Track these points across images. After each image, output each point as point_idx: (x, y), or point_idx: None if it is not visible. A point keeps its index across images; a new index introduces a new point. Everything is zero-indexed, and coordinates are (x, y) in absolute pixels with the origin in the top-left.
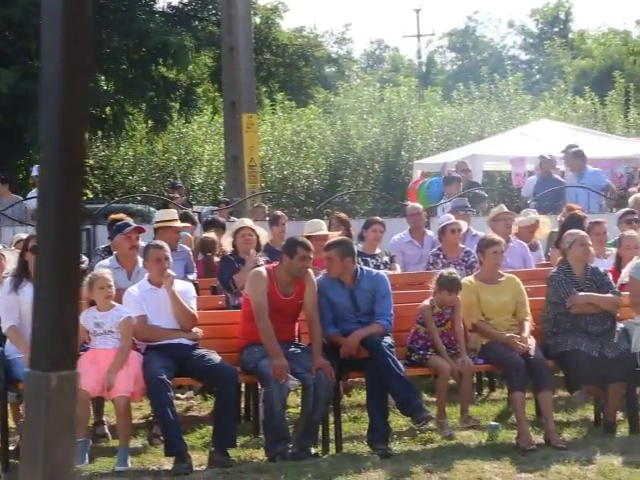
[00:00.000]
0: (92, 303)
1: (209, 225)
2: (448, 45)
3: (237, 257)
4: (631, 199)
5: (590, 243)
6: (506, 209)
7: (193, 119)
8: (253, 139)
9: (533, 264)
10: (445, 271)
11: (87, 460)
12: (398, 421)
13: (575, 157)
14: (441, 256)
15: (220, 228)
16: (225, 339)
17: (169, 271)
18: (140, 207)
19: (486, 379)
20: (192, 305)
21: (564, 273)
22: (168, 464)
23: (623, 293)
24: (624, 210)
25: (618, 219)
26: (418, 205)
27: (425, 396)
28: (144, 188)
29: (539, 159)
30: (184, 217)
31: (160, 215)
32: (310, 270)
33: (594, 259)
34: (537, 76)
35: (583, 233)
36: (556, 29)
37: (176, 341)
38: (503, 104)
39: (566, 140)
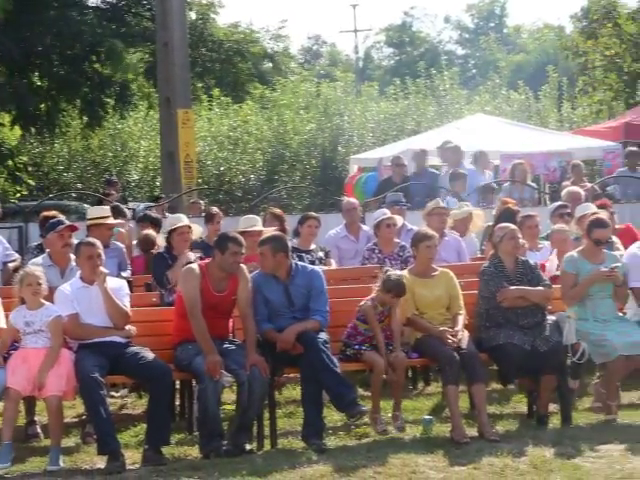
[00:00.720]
0: (24, 301)
1: (144, 221)
2: (385, 40)
3: (171, 254)
4: (564, 193)
5: (520, 236)
6: (441, 203)
7: (128, 115)
8: (189, 135)
9: (468, 258)
10: (393, 274)
11: (10, 462)
12: (333, 416)
13: (453, 153)
14: (376, 251)
15: (154, 224)
16: (159, 336)
17: (101, 268)
18: (74, 204)
19: (421, 373)
20: (125, 302)
21: (495, 267)
22: (101, 463)
23: (554, 286)
24: (557, 204)
25: (551, 213)
26: (354, 200)
27: (360, 391)
28: (79, 185)
29: (413, 154)
30: (116, 212)
31: (92, 212)
32: (243, 266)
33: (526, 252)
34: (473, 71)
35: (513, 227)
36: (492, 24)
37: (109, 339)
38: (439, 99)
39: (500, 134)
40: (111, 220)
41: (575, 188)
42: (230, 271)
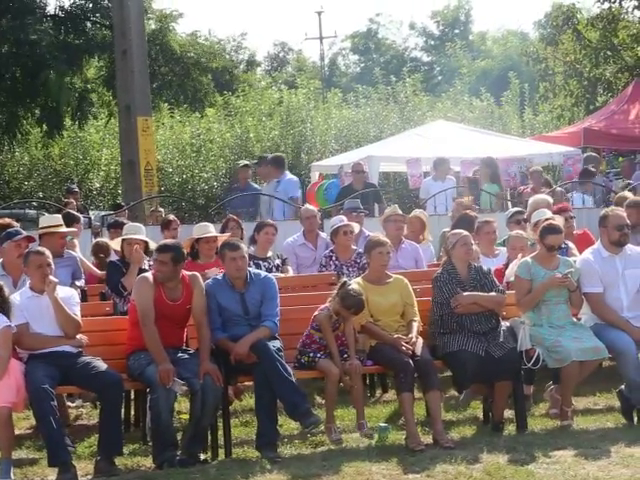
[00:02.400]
0: None
1: (115, 227)
2: (351, 47)
3: (124, 262)
4: (531, 200)
5: (473, 242)
6: (399, 210)
7: (89, 123)
8: (149, 143)
9: (425, 265)
10: (353, 289)
11: None
12: (289, 424)
13: (273, 164)
14: (334, 258)
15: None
16: (112, 346)
17: (51, 277)
18: (33, 213)
19: (379, 381)
20: (76, 312)
21: (448, 273)
22: (53, 475)
23: (508, 292)
24: (513, 210)
25: (507, 219)
26: (312, 207)
27: (318, 399)
28: (41, 194)
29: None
30: (69, 219)
31: (44, 221)
32: (197, 274)
33: (479, 258)
34: (439, 77)
35: (465, 233)
36: (457, 31)
37: (60, 349)
38: (401, 105)
39: (461, 140)
40: (64, 228)
41: (542, 196)
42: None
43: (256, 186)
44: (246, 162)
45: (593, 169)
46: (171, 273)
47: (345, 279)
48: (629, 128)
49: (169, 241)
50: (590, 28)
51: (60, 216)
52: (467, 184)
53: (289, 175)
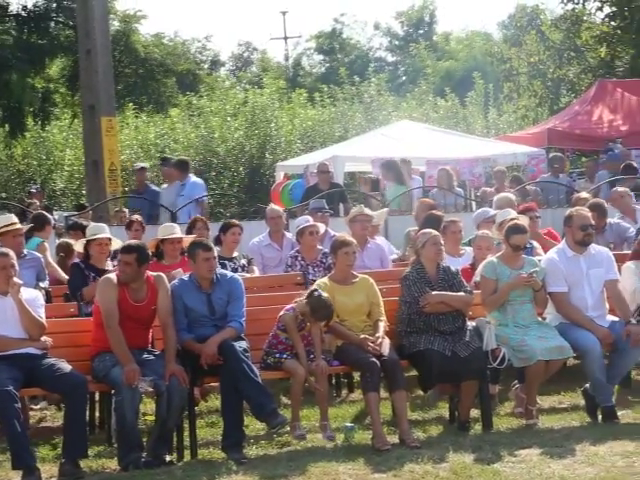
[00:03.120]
0: None
1: (75, 229)
2: (315, 47)
3: (88, 264)
4: (496, 198)
5: (442, 242)
6: (365, 210)
7: (52, 124)
8: (113, 143)
9: (390, 265)
10: (323, 299)
11: None
12: (255, 425)
13: (177, 167)
14: (299, 258)
15: (80, 232)
16: (76, 347)
17: (15, 279)
18: None
19: (345, 380)
20: (40, 313)
21: (417, 273)
22: (17, 477)
23: (475, 292)
24: (483, 209)
25: (476, 218)
26: (278, 208)
27: (284, 399)
28: (4, 194)
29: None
30: (39, 221)
31: None
32: (162, 275)
33: (444, 258)
34: (403, 78)
35: (435, 232)
36: (421, 31)
37: (24, 351)
38: (366, 105)
39: (426, 140)
40: (18, 226)
41: (507, 194)
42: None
43: (155, 188)
44: (143, 165)
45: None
46: (135, 274)
47: (315, 286)
48: (592, 128)
49: (133, 242)
50: (554, 29)
51: (13, 215)
52: (370, 185)
53: (194, 178)
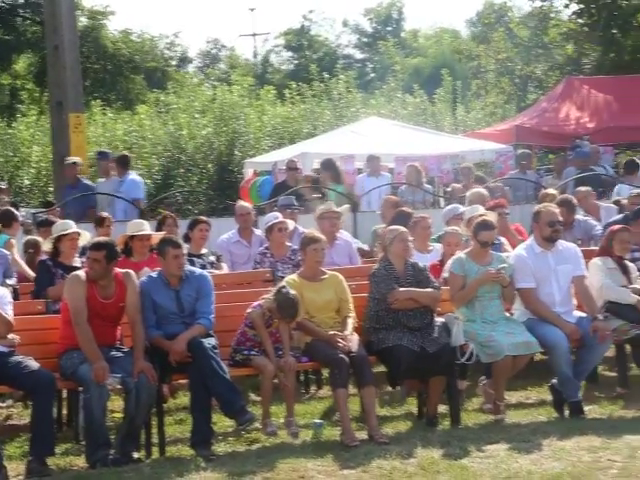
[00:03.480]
0: None
1: (45, 225)
2: (284, 44)
3: (56, 262)
4: (468, 194)
5: (410, 239)
6: (333, 207)
7: (18, 120)
8: (81, 139)
9: (359, 261)
10: (290, 298)
11: None
12: (224, 422)
13: (117, 162)
14: (268, 255)
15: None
16: (44, 345)
17: None
18: None
19: (313, 377)
20: (7, 311)
21: (385, 269)
22: None
23: (444, 287)
24: (453, 206)
25: (445, 215)
26: (247, 204)
27: (252, 396)
28: None
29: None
30: (6, 218)
31: None
32: (131, 271)
33: (413, 254)
34: (372, 75)
35: (403, 229)
36: (389, 28)
37: None
38: (335, 102)
39: (395, 137)
40: None
41: (479, 190)
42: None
43: (87, 182)
44: (74, 160)
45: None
46: (104, 271)
47: (284, 283)
48: (560, 125)
49: (102, 239)
50: (521, 26)
51: None
52: (310, 183)
53: (133, 175)
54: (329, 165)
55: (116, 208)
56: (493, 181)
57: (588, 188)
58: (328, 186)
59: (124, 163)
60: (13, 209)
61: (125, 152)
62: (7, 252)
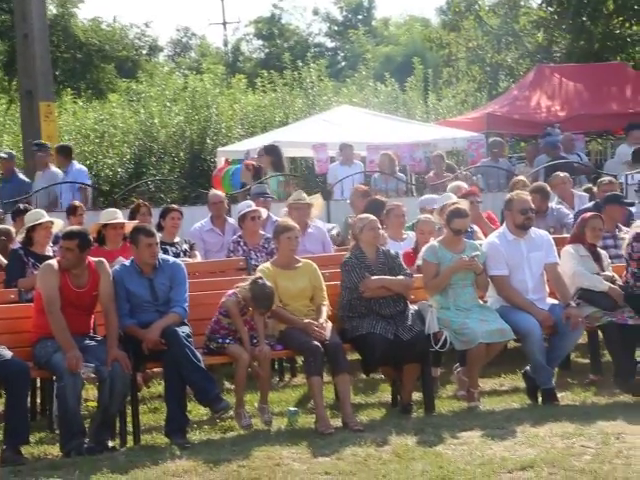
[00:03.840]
0: None
1: (22, 214)
2: (255, 33)
3: (29, 251)
4: (451, 186)
5: (380, 227)
6: (302, 195)
7: None
8: (52, 128)
9: (332, 249)
10: (266, 284)
11: None
12: (198, 410)
13: (59, 153)
14: (242, 243)
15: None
16: (17, 334)
17: None
18: None
19: (287, 365)
20: None
21: (356, 258)
22: None
23: (417, 275)
24: (428, 197)
25: (421, 204)
26: (220, 193)
27: (227, 384)
28: None
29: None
30: None
31: None
32: (103, 260)
33: (387, 242)
34: (343, 63)
35: (373, 217)
36: (360, 16)
37: None
38: (307, 91)
39: (367, 125)
40: None
41: (459, 183)
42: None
43: (22, 177)
44: (9, 152)
45: None
46: (77, 260)
47: (259, 273)
48: (531, 113)
49: (75, 228)
50: (491, 14)
51: None
52: (252, 171)
53: (77, 165)
54: (271, 150)
55: (63, 198)
56: (465, 169)
57: (566, 174)
58: (267, 172)
59: (67, 153)
60: None
61: (66, 143)
62: None
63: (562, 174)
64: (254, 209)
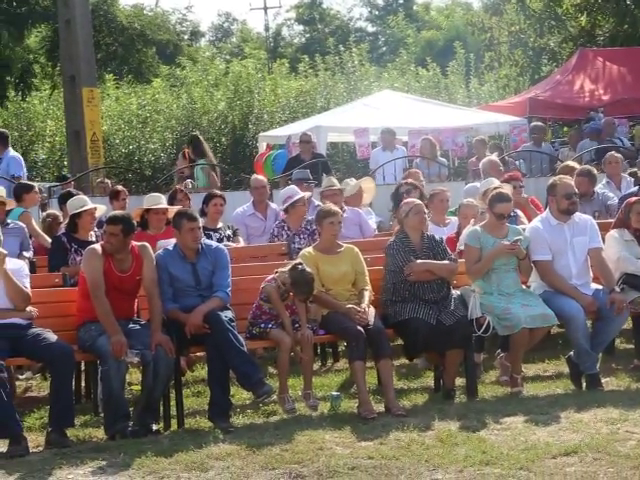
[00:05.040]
0: None
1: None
2: (296, 17)
3: (72, 237)
4: (483, 162)
5: (426, 211)
6: (334, 181)
7: (32, 94)
8: (94, 114)
9: (373, 231)
10: (306, 270)
11: None
12: (242, 394)
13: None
14: (285, 227)
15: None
16: (62, 317)
17: (0, 249)
18: None
19: (330, 350)
20: (25, 284)
21: (401, 242)
22: (4, 447)
23: (460, 260)
24: (472, 185)
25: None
26: (262, 178)
27: (270, 369)
28: None
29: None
30: (19, 190)
31: None
32: (147, 245)
33: (429, 227)
34: (384, 48)
35: (418, 202)
36: (401, 1)
37: (9, 321)
38: (348, 76)
39: (408, 110)
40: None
41: (493, 157)
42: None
43: None
44: None
45: None
46: (121, 245)
47: (300, 258)
48: (574, 98)
49: (119, 213)
50: None
51: None
52: (187, 159)
53: (12, 152)
54: (190, 141)
55: None
56: (507, 153)
57: (620, 155)
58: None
59: (3, 140)
60: (24, 182)
61: (2, 129)
62: (23, 225)
63: (617, 154)
64: (303, 195)
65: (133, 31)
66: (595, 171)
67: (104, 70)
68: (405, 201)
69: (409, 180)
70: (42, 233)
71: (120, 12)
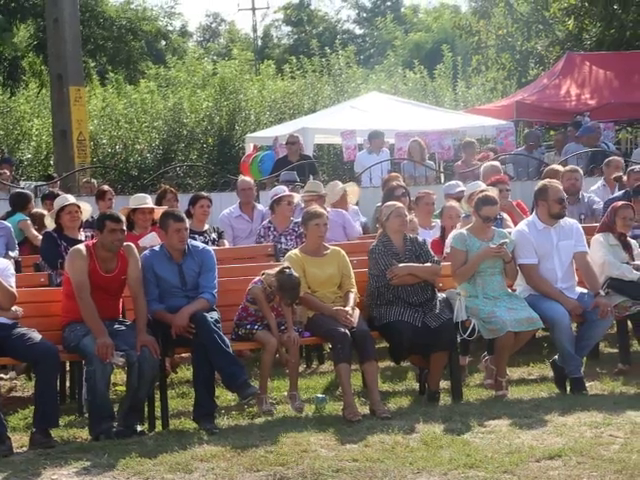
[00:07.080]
0: None
1: (49, 198)
2: (283, 19)
3: (60, 234)
4: (483, 167)
5: (406, 214)
6: (316, 187)
7: (19, 92)
8: (81, 113)
9: (357, 232)
10: (293, 274)
11: None
12: (226, 396)
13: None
14: (272, 228)
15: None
16: (47, 317)
17: None
18: None
19: (315, 352)
20: (11, 283)
21: (384, 245)
22: None
23: (444, 263)
24: (453, 182)
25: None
26: (249, 179)
27: (256, 370)
28: None
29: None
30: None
31: None
32: (132, 245)
33: (418, 229)
34: (371, 50)
35: (399, 204)
36: (389, 3)
37: None
38: (335, 77)
39: (395, 113)
40: None
41: (495, 162)
42: (112, 250)
43: None
44: None
45: None
46: (123, 242)
47: (287, 261)
48: (560, 102)
49: (113, 212)
50: (522, 1)
51: None
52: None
53: None
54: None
55: None
56: (497, 156)
57: (622, 160)
58: None
59: None
60: (27, 192)
61: None
62: (9, 224)
63: (619, 159)
64: (289, 194)
65: (121, 24)
66: (581, 171)
67: (92, 65)
68: (386, 204)
69: (401, 183)
70: (33, 231)
71: (108, 8)
